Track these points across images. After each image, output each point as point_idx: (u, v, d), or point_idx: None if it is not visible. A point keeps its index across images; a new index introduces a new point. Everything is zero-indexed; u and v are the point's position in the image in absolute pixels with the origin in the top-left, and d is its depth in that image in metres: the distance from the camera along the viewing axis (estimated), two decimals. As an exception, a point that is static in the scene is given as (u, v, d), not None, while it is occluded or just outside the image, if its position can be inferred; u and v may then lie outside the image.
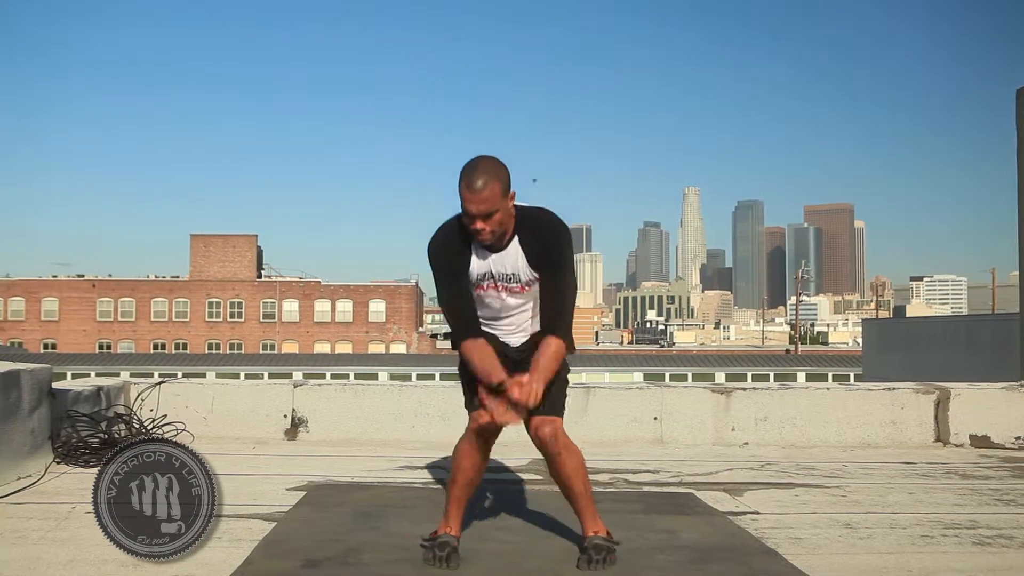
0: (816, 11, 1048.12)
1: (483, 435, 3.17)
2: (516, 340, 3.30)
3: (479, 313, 3.24)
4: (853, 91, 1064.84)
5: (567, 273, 3.19)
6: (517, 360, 3.23)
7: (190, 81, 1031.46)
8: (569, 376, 3.36)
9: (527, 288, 3.21)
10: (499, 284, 3.19)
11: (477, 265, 3.18)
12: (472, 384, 3.22)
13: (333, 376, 38.65)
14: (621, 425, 6.25)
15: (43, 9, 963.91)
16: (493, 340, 3.24)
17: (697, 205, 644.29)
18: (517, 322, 3.29)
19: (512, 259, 3.16)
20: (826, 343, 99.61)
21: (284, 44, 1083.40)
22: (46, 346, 62.67)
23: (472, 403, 3.21)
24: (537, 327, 3.25)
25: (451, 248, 3.18)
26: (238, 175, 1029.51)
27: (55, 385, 5.36)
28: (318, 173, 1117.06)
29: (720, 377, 41.29)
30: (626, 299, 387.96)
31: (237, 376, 38.42)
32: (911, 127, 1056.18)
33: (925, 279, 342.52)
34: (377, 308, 65.86)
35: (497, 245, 3.14)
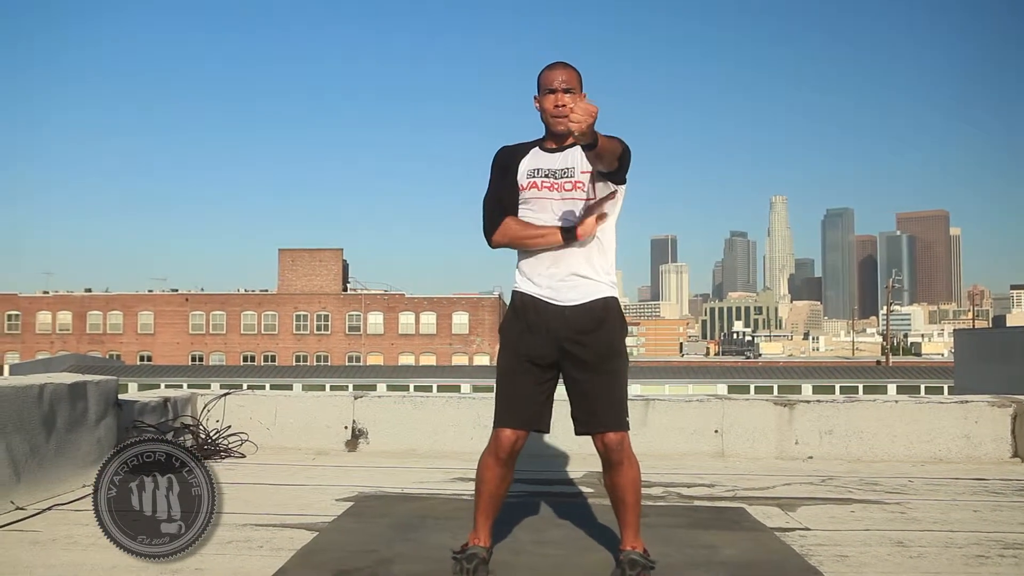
0: (904, 15, 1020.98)
1: (504, 453, 3.16)
2: (567, 286, 3.17)
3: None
4: (947, 93, 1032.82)
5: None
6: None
7: (281, 92, 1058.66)
8: (630, 388, 3.30)
9: (579, 186, 3.17)
10: (551, 182, 3.18)
11: (531, 161, 3.23)
12: (502, 398, 3.20)
13: (416, 388, 39.04)
14: (681, 438, 6.16)
15: (117, 19, 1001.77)
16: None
17: (785, 214, 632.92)
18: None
19: (569, 156, 3.19)
20: (919, 354, 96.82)
21: (374, 58, 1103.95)
22: (142, 358, 64.95)
23: (499, 419, 3.20)
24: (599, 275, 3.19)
25: (512, 148, 3.30)
26: (325, 190, 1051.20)
27: (122, 396, 5.54)
28: (402, 186, 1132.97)
29: (807, 389, 40.24)
30: (712, 310, 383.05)
31: (323, 388, 39.19)
32: (1008, 129, 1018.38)
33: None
34: (460, 320, 66.33)
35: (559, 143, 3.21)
